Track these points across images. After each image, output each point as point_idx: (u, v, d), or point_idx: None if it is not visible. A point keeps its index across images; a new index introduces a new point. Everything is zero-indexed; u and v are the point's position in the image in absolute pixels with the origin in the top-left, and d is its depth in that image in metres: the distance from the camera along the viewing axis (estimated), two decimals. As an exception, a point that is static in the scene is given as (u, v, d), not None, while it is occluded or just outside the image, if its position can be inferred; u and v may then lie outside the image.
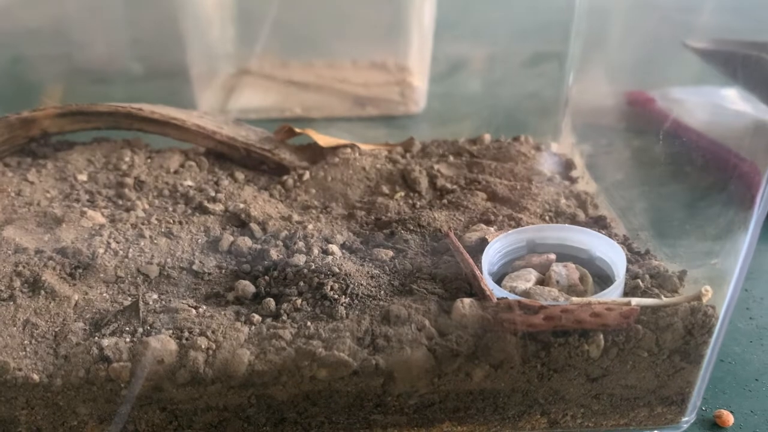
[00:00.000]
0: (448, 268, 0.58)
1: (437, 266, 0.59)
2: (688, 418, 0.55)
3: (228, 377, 0.50)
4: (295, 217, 0.67)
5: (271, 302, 0.55)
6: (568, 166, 0.77)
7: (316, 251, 0.61)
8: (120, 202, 0.69)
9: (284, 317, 0.53)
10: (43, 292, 0.56)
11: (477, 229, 0.63)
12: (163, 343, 0.50)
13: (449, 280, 0.57)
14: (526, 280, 0.55)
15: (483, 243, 0.60)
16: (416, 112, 1.08)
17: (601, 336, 0.50)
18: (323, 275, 0.57)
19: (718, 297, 0.51)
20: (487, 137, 0.81)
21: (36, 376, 0.49)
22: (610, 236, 0.62)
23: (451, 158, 0.77)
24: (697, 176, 0.72)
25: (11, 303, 0.55)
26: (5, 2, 1.01)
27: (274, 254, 0.60)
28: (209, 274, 0.60)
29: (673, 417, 0.54)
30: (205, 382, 0.50)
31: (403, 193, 0.72)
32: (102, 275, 0.59)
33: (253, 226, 0.65)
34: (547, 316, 0.49)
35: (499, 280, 0.57)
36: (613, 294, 0.53)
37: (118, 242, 0.62)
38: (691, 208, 0.68)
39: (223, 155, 0.77)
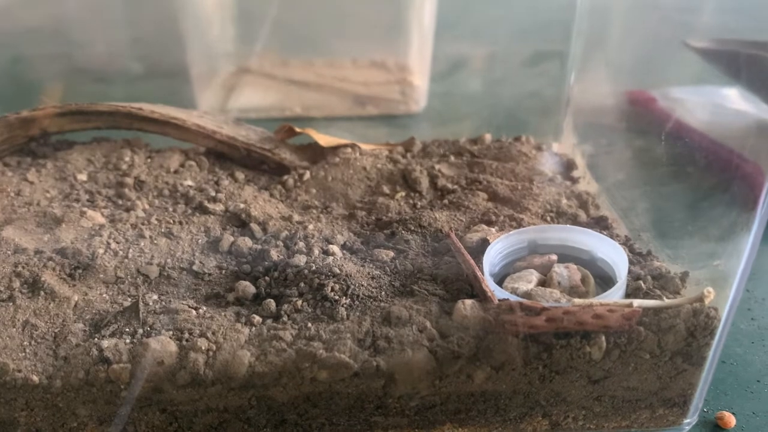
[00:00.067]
0: (449, 268, 0.58)
1: (438, 267, 0.59)
2: (690, 420, 0.55)
3: (228, 379, 0.50)
4: (296, 217, 0.67)
5: (271, 303, 0.55)
6: (569, 166, 0.77)
7: (316, 252, 0.60)
8: (120, 202, 0.68)
9: (285, 318, 0.53)
10: (42, 293, 0.56)
11: (478, 229, 0.63)
12: (163, 345, 0.50)
13: (450, 281, 0.56)
14: (528, 281, 0.55)
15: (484, 244, 0.60)
16: (417, 111, 1.08)
17: (603, 338, 0.50)
18: (324, 276, 0.56)
19: (720, 298, 0.51)
20: (488, 137, 0.81)
21: (35, 378, 0.49)
22: (611, 237, 0.62)
23: (452, 158, 0.77)
24: (699, 177, 0.72)
25: (10, 304, 0.55)
26: (5, 2, 1.01)
27: (275, 255, 0.60)
28: (209, 274, 0.60)
29: (675, 419, 0.54)
30: (205, 384, 0.50)
31: (403, 193, 0.71)
32: (102, 276, 0.58)
33: (254, 226, 0.65)
34: (549, 318, 0.49)
35: (500, 281, 0.57)
36: (615, 295, 0.52)
37: (117, 242, 0.62)
38: (693, 209, 0.68)
39: (224, 155, 0.77)
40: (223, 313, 0.54)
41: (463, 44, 1.16)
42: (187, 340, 0.51)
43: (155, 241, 0.62)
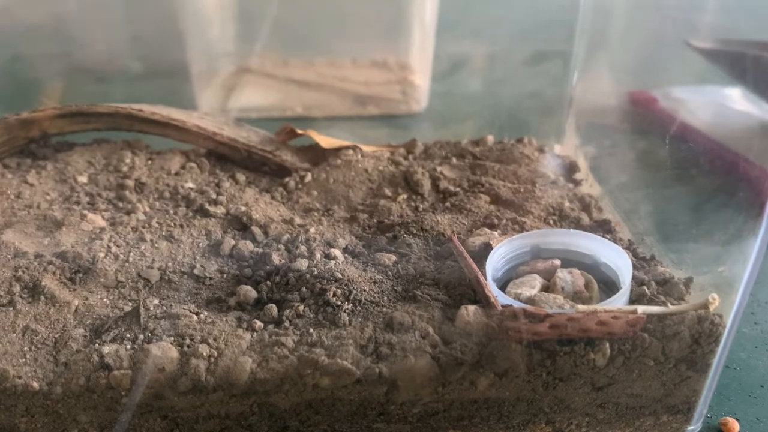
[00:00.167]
0: (452, 273, 0.57)
1: (440, 271, 0.58)
2: (694, 427, 0.55)
3: (230, 385, 0.49)
4: (297, 220, 0.66)
5: (273, 308, 0.54)
6: (571, 168, 0.76)
7: (318, 255, 0.60)
8: (120, 204, 0.68)
9: (286, 324, 0.53)
10: (42, 298, 0.55)
11: (481, 233, 0.63)
12: (164, 351, 0.50)
13: (453, 285, 0.56)
14: (531, 286, 0.55)
15: (487, 248, 0.60)
16: (418, 111, 1.08)
17: (607, 344, 0.49)
18: (326, 281, 0.56)
19: (725, 305, 0.51)
20: (490, 138, 0.81)
21: (36, 384, 0.49)
22: (614, 241, 0.62)
23: (454, 160, 0.77)
24: (703, 180, 0.72)
25: (11, 309, 0.54)
26: (5, 1, 1.00)
27: (276, 259, 0.60)
28: (210, 278, 0.59)
29: (679, 426, 0.54)
30: (206, 390, 0.49)
31: (405, 196, 0.71)
32: (102, 280, 0.58)
33: (255, 229, 0.64)
34: (553, 325, 0.49)
35: (503, 286, 0.57)
36: (619, 301, 0.52)
37: (118, 246, 0.61)
38: (697, 212, 0.68)
39: (225, 156, 0.76)
40: (224, 318, 0.54)
41: (465, 43, 1.16)
42: (188, 346, 0.51)
43: (156, 245, 0.62)
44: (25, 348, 0.51)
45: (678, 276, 0.56)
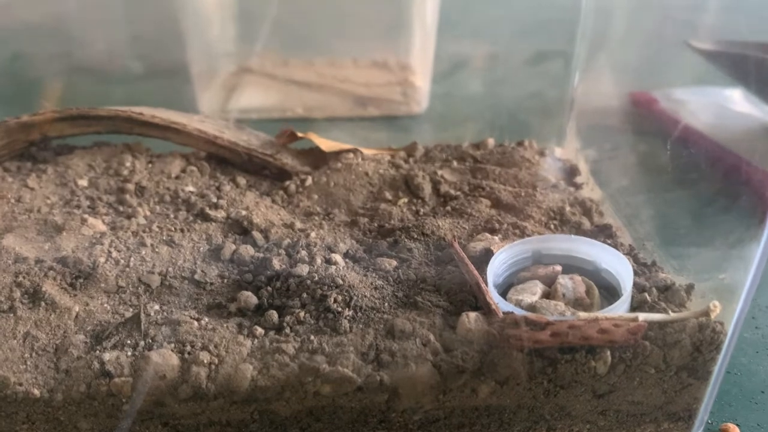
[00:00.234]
0: (453, 279, 0.57)
1: (441, 277, 0.58)
2: (695, 434, 0.55)
3: (231, 392, 0.49)
4: (298, 225, 0.66)
5: (273, 315, 0.54)
6: (572, 171, 0.76)
7: (319, 261, 0.60)
8: (121, 208, 0.68)
9: (287, 330, 0.53)
10: (43, 304, 0.55)
11: (482, 238, 0.63)
12: (164, 358, 0.50)
13: (454, 292, 0.56)
14: (532, 293, 0.55)
15: (488, 253, 0.60)
16: (418, 112, 1.08)
17: (609, 352, 0.49)
18: (326, 287, 0.56)
19: (726, 312, 0.51)
20: (491, 142, 0.81)
21: (37, 391, 0.49)
22: (615, 246, 0.62)
23: (455, 163, 0.77)
24: (704, 184, 0.72)
25: (11, 315, 0.54)
26: (5, 0, 1.00)
27: (277, 264, 0.60)
28: (211, 283, 0.59)
29: (680, 432, 0.54)
30: (207, 398, 0.49)
31: (406, 200, 0.71)
32: (103, 285, 0.58)
33: (256, 234, 0.64)
34: (554, 333, 0.49)
35: (504, 292, 0.57)
36: (620, 308, 0.52)
37: (119, 251, 0.61)
38: (699, 217, 0.68)
39: (225, 160, 0.76)
40: (225, 325, 0.54)
41: (465, 43, 1.15)
42: (189, 353, 0.51)
43: (156, 250, 0.62)
44: (26, 355, 0.51)
45: (679, 282, 0.56)
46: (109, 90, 1.07)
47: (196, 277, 0.59)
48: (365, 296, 0.55)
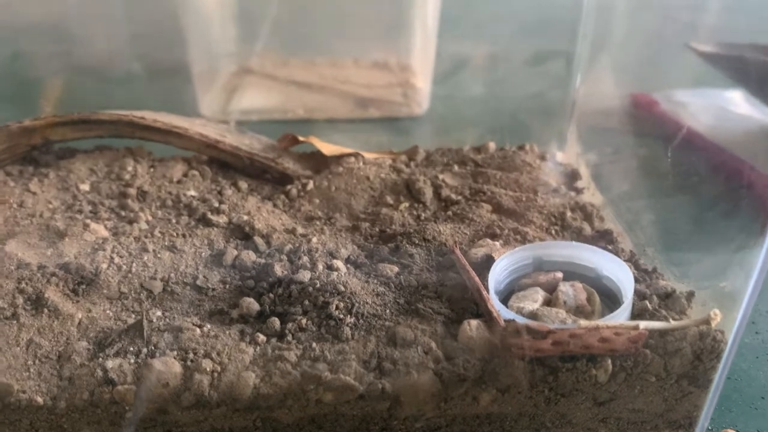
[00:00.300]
0: (454, 286, 0.58)
1: (443, 283, 0.58)
2: (695, 441, 0.55)
3: (233, 400, 0.50)
4: (299, 230, 0.66)
5: (275, 322, 0.54)
6: (573, 176, 0.76)
7: (320, 267, 0.60)
8: (123, 213, 0.68)
9: (289, 337, 0.53)
10: (46, 310, 0.55)
11: (483, 244, 0.63)
12: (167, 366, 0.50)
13: (455, 299, 0.56)
14: (534, 300, 0.55)
15: (489, 259, 0.60)
16: (419, 114, 1.08)
17: (609, 361, 0.50)
18: (328, 293, 0.56)
19: (727, 320, 0.51)
20: (492, 146, 0.81)
21: (40, 399, 0.49)
22: (616, 252, 0.62)
23: (456, 167, 0.77)
24: (706, 187, 0.72)
25: (14, 322, 0.54)
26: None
27: (279, 270, 0.60)
28: (213, 289, 0.59)
29: (680, 440, 0.54)
30: (210, 405, 0.50)
31: (407, 204, 0.71)
32: (105, 291, 0.58)
33: (257, 239, 0.64)
34: (556, 342, 0.49)
35: (505, 298, 0.57)
36: (621, 316, 0.52)
37: (121, 257, 0.62)
38: (700, 222, 0.68)
39: (227, 164, 0.76)
40: (227, 332, 0.54)
41: (466, 44, 1.15)
42: (191, 361, 0.51)
43: (159, 255, 0.62)
44: (29, 362, 0.52)
45: (680, 290, 0.56)
46: (110, 90, 1.07)
47: (198, 282, 0.60)
48: (367, 303, 0.56)
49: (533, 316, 0.53)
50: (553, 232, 0.66)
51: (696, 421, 0.53)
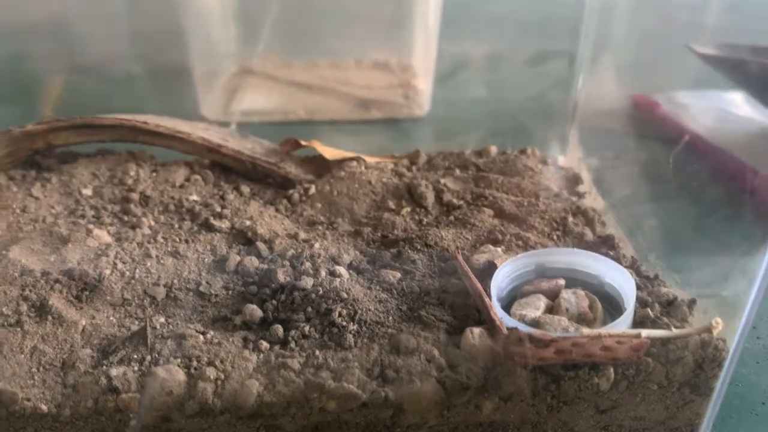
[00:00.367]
0: (457, 293, 0.58)
1: (445, 289, 0.59)
2: (697, 448, 0.55)
3: (237, 408, 0.50)
4: (302, 235, 0.67)
5: (279, 329, 0.55)
6: (575, 180, 0.76)
7: (323, 273, 0.60)
8: (126, 218, 0.68)
9: (292, 345, 0.53)
10: (50, 317, 0.56)
11: (485, 250, 0.63)
12: (171, 374, 0.50)
13: (458, 306, 0.56)
14: (536, 307, 0.55)
15: (491, 266, 0.60)
16: (420, 115, 1.08)
17: (612, 369, 0.50)
18: (331, 300, 0.56)
19: (728, 328, 0.51)
20: (494, 149, 0.81)
21: (44, 407, 0.49)
22: (618, 258, 0.62)
23: (458, 171, 0.77)
24: (708, 192, 0.72)
25: (18, 329, 0.55)
26: (7, -1, 1.00)
27: (281, 276, 0.60)
28: (216, 295, 0.59)
29: (682, 447, 0.55)
30: (213, 413, 0.50)
31: (409, 209, 0.71)
32: (109, 297, 0.58)
33: (260, 244, 0.65)
34: (558, 350, 0.49)
35: (507, 305, 0.57)
36: (623, 324, 0.52)
37: (124, 263, 0.62)
38: (702, 227, 0.68)
39: (229, 168, 0.77)
40: (230, 339, 0.54)
41: (467, 44, 1.15)
42: (195, 369, 0.51)
43: (162, 261, 0.62)
44: (33, 369, 0.52)
45: (681, 297, 0.57)
46: (111, 90, 1.07)
47: (201, 289, 0.60)
48: (369, 310, 0.56)
49: (536, 323, 0.53)
50: (555, 237, 0.66)
51: (697, 428, 0.53)
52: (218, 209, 0.70)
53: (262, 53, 1.15)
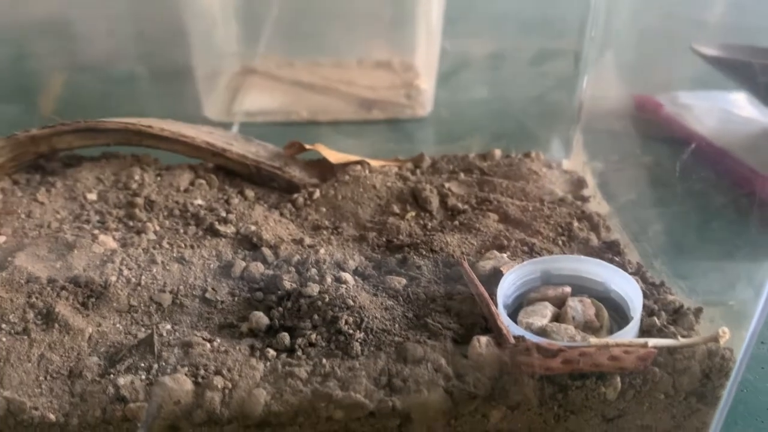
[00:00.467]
0: (463, 300, 0.58)
1: (451, 296, 0.59)
2: (703, 456, 0.55)
3: (244, 417, 0.50)
4: (307, 240, 0.67)
5: (285, 337, 0.55)
6: (579, 184, 0.77)
7: (329, 280, 0.60)
8: (131, 223, 0.68)
9: (299, 353, 0.53)
10: (56, 325, 0.56)
11: (490, 256, 0.63)
12: (179, 383, 0.50)
13: (464, 313, 0.56)
14: (542, 315, 0.55)
15: (496, 272, 0.60)
16: (423, 115, 1.08)
17: (619, 378, 0.50)
18: (337, 308, 0.56)
19: (735, 337, 0.51)
20: (498, 153, 0.81)
21: (52, 416, 0.49)
22: (623, 264, 0.62)
23: (462, 175, 0.77)
24: (712, 196, 0.72)
25: (25, 337, 0.55)
26: (9, -2, 1.00)
27: (287, 282, 0.60)
28: (222, 302, 0.60)
29: (688, 455, 0.55)
30: (221, 422, 0.50)
31: (414, 213, 0.71)
32: (115, 304, 0.58)
33: (265, 250, 0.65)
34: (565, 360, 0.49)
35: (514, 312, 0.57)
36: (629, 333, 0.52)
37: (130, 269, 0.62)
38: (707, 233, 0.68)
39: (233, 172, 0.76)
40: (237, 347, 0.54)
41: (470, 43, 1.15)
42: (203, 377, 0.51)
43: (167, 267, 0.62)
44: (41, 378, 0.52)
45: (688, 305, 0.57)
46: (112, 90, 1.07)
47: (207, 295, 0.60)
48: (376, 318, 0.56)
49: (542, 332, 0.53)
50: (560, 242, 0.66)
51: (704, 437, 0.54)
52: (223, 214, 0.70)
53: (265, 53, 1.15)
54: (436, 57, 1.10)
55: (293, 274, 0.62)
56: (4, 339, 0.54)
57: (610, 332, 0.54)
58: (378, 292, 0.59)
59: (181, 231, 0.68)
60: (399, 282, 0.60)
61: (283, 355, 0.53)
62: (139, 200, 0.71)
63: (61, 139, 0.74)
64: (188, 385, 0.50)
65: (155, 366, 0.52)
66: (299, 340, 0.54)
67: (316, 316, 0.56)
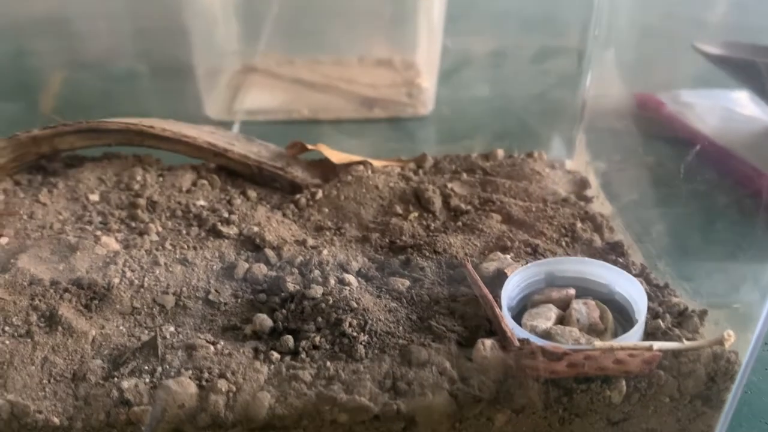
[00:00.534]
0: (467, 302, 0.58)
1: (455, 298, 0.59)
2: (707, 458, 0.55)
3: (248, 420, 0.50)
4: (310, 241, 0.66)
5: (289, 339, 0.54)
6: (582, 184, 0.76)
7: (332, 281, 0.60)
8: (133, 224, 0.68)
9: (303, 355, 0.53)
10: (60, 328, 0.55)
11: (494, 258, 0.63)
12: (183, 387, 0.50)
13: (468, 316, 0.56)
14: (547, 318, 0.55)
15: (500, 274, 0.60)
16: (424, 114, 1.07)
17: (624, 382, 0.50)
18: (341, 310, 0.56)
19: (740, 339, 0.51)
20: (500, 153, 0.81)
21: (56, 419, 0.49)
22: (627, 265, 0.62)
23: (464, 175, 0.77)
24: (716, 197, 0.71)
25: (29, 340, 0.54)
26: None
27: (290, 284, 0.60)
28: (225, 303, 0.59)
29: (693, 458, 0.55)
30: (225, 426, 0.50)
31: (416, 214, 0.71)
32: (118, 306, 0.58)
33: (268, 251, 0.64)
34: (571, 363, 0.49)
35: (518, 314, 0.57)
36: (634, 336, 0.52)
37: (133, 270, 0.62)
38: (711, 233, 0.68)
39: (235, 172, 0.76)
40: (241, 349, 0.54)
41: (472, 41, 1.14)
42: (207, 381, 0.51)
43: (170, 269, 0.62)
44: (44, 381, 0.52)
45: (693, 307, 0.57)
46: (113, 88, 1.06)
47: (210, 297, 0.60)
48: (380, 320, 0.56)
49: (547, 334, 0.53)
50: (564, 243, 0.66)
51: (709, 440, 0.53)
52: (225, 215, 0.70)
53: (265, 51, 1.14)
54: (438, 55, 1.10)
55: (296, 275, 0.61)
56: (7, 342, 0.54)
57: (615, 335, 0.54)
58: (381, 294, 0.59)
59: (184, 232, 0.68)
60: (402, 284, 0.60)
61: (287, 358, 0.53)
62: (142, 201, 0.71)
63: (62, 139, 0.74)
64: (192, 388, 0.50)
65: (159, 369, 0.52)
66: (303, 343, 0.54)
67: (319, 319, 0.56)
